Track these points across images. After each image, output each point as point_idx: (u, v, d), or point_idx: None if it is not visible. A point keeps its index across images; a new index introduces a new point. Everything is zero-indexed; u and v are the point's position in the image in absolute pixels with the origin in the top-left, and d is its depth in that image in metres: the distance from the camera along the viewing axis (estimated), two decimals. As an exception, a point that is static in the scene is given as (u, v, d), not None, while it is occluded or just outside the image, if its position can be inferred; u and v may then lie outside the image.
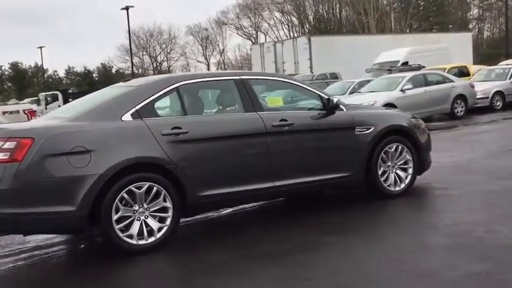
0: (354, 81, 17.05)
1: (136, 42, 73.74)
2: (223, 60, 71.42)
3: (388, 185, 5.98)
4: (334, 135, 5.68)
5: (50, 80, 74.87)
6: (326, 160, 5.61)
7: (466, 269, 3.67)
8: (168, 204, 4.69)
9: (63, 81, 74.88)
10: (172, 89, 5.05)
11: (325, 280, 3.74)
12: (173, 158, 4.71)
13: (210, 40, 72.75)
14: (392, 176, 6.02)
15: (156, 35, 74.19)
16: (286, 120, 5.35)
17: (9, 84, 73.55)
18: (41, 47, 59.99)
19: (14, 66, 72.75)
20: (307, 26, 64.82)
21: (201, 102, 5.50)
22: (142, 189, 4.57)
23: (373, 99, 13.89)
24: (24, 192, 4.25)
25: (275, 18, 65.57)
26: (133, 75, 46.69)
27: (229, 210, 6.00)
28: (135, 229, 4.56)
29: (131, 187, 4.53)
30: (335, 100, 5.63)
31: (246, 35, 69.14)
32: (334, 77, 22.92)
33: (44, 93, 38.31)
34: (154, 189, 4.62)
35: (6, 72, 73.51)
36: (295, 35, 58.10)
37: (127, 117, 4.71)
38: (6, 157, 4.25)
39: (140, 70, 76.85)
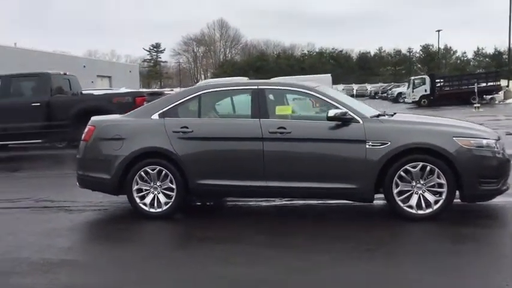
0: None
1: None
2: None
3: (409, 206, 5.54)
4: (338, 146, 5.68)
5: (458, 61, 75.52)
6: (327, 169, 5.70)
7: None
8: (174, 185, 6.08)
9: (471, 63, 74.32)
10: (195, 96, 6.29)
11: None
12: (177, 150, 6.03)
13: None
14: (415, 197, 5.53)
15: None
16: (284, 128, 5.80)
17: (419, 65, 77.93)
18: (438, 30, 61.76)
19: (425, 48, 76.59)
20: None
21: (216, 108, 6.47)
22: (154, 171, 6.11)
23: None
24: (87, 161, 6.47)
25: None
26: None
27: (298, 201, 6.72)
28: (148, 199, 6.17)
29: (147, 168, 6.14)
30: (334, 112, 5.62)
31: None
32: None
33: (413, 77, 39.97)
34: (163, 172, 6.09)
35: (417, 54, 78.12)
36: None
37: (155, 116, 6.28)
38: (83, 137, 6.55)
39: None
